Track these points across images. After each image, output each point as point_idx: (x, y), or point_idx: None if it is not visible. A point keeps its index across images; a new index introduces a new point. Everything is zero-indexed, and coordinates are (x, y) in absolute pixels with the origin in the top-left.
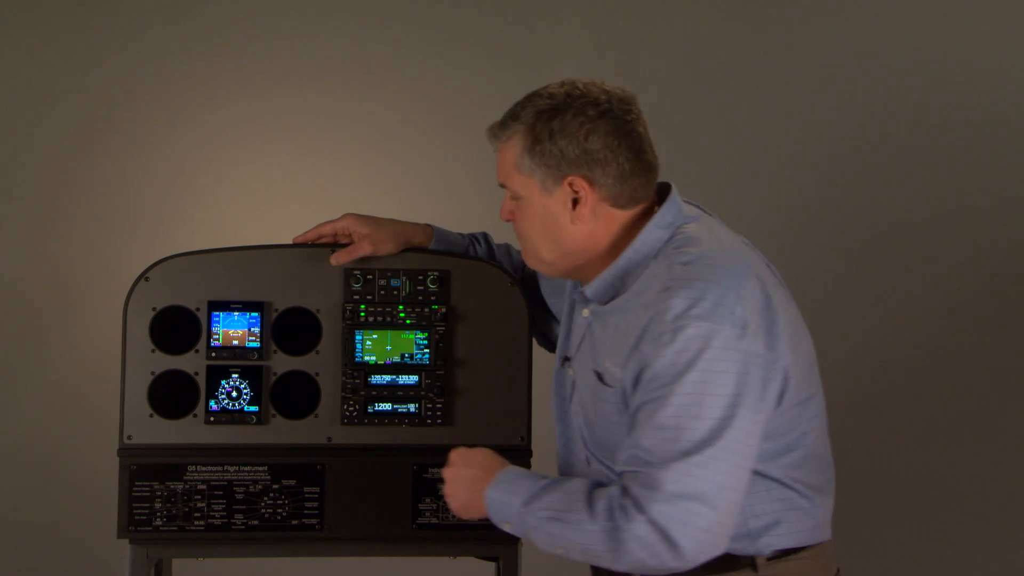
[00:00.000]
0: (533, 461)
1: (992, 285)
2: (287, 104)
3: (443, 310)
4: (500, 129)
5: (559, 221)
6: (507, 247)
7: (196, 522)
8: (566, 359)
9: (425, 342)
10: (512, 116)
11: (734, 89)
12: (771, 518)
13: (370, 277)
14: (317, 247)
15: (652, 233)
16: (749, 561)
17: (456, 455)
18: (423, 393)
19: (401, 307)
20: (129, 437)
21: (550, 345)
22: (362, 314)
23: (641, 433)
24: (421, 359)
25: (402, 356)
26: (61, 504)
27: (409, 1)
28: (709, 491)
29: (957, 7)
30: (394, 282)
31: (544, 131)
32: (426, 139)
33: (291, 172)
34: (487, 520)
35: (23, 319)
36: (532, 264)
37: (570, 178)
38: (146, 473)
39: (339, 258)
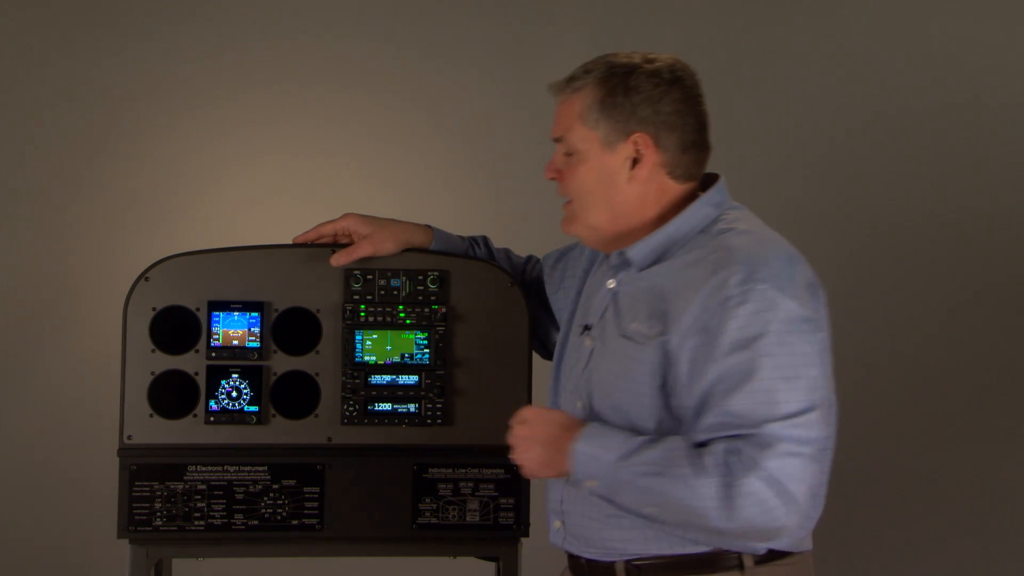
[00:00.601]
0: None
1: (993, 285)
2: (287, 104)
3: (443, 310)
4: (568, 81)
5: (615, 179)
6: (506, 251)
7: (196, 522)
8: (587, 327)
9: (425, 342)
10: (583, 71)
11: (734, 89)
12: None
13: (370, 277)
14: (317, 247)
15: (702, 208)
16: (737, 560)
17: (531, 413)
18: (423, 393)
19: (401, 307)
20: (129, 437)
21: (546, 352)
22: (362, 314)
23: (732, 399)
24: (421, 359)
25: (402, 356)
26: (61, 504)
27: (410, 1)
28: (814, 450)
29: (958, 7)
30: (394, 282)
31: (619, 86)
32: (426, 139)
33: (291, 172)
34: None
35: (23, 319)
36: (572, 228)
37: (636, 135)
38: (146, 473)
39: (339, 259)
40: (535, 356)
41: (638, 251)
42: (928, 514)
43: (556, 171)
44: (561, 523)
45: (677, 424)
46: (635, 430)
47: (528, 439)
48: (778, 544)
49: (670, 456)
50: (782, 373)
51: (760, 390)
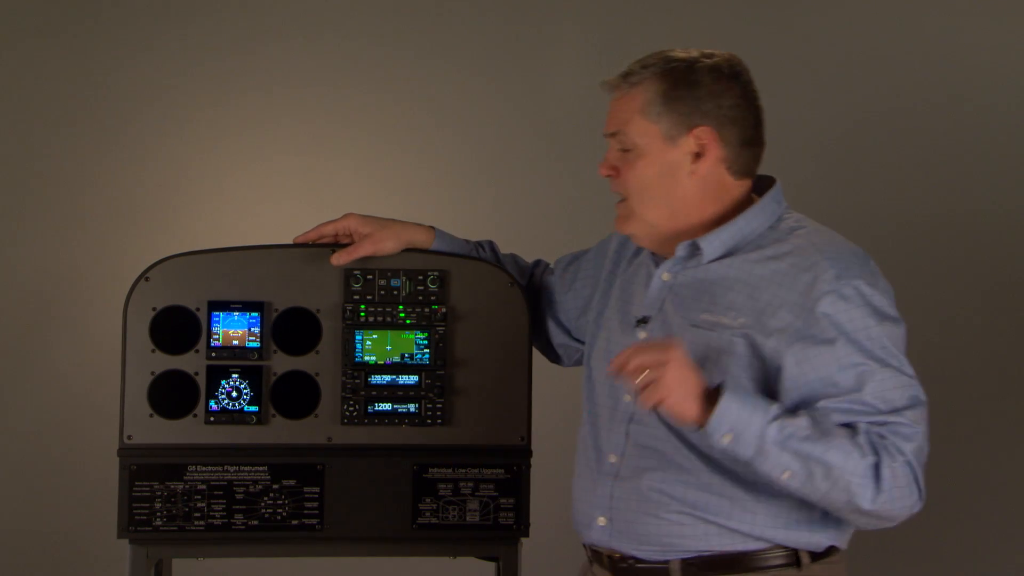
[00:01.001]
0: (533, 461)
1: (996, 286)
2: (288, 105)
3: (443, 310)
4: (626, 76)
5: (676, 174)
6: (513, 256)
7: (196, 522)
8: (642, 320)
9: (425, 342)
10: (641, 66)
11: None
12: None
13: (370, 277)
14: (318, 247)
15: (769, 205)
16: (795, 558)
17: (680, 349)
18: (423, 393)
19: (401, 307)
20: (129, 437)
21: (554, 354)
22: (362, 314)
23: (862, 388)
24: (421, 359)
25: (402, 356)
26: (61, 504)
27: (410, 3)
28: (925, 438)
29: (960, 6)
30: (394, 282)
31: (682, 79)
32: (427, 140)
33: (292, 173)
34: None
35: (23, 319)
36: (628, 227)
37: (699, 129)
38: (146, 473)
39: (340, 258)
40: (535, 356)
41: (711, 243)
42: (929, 515)
43: (612, 168)
44: (607, 520)
45: None
46: None
47: (681, 374)
48: (839, 541)
49: (824, 427)
50: (895, 362)
51: (884, 379)
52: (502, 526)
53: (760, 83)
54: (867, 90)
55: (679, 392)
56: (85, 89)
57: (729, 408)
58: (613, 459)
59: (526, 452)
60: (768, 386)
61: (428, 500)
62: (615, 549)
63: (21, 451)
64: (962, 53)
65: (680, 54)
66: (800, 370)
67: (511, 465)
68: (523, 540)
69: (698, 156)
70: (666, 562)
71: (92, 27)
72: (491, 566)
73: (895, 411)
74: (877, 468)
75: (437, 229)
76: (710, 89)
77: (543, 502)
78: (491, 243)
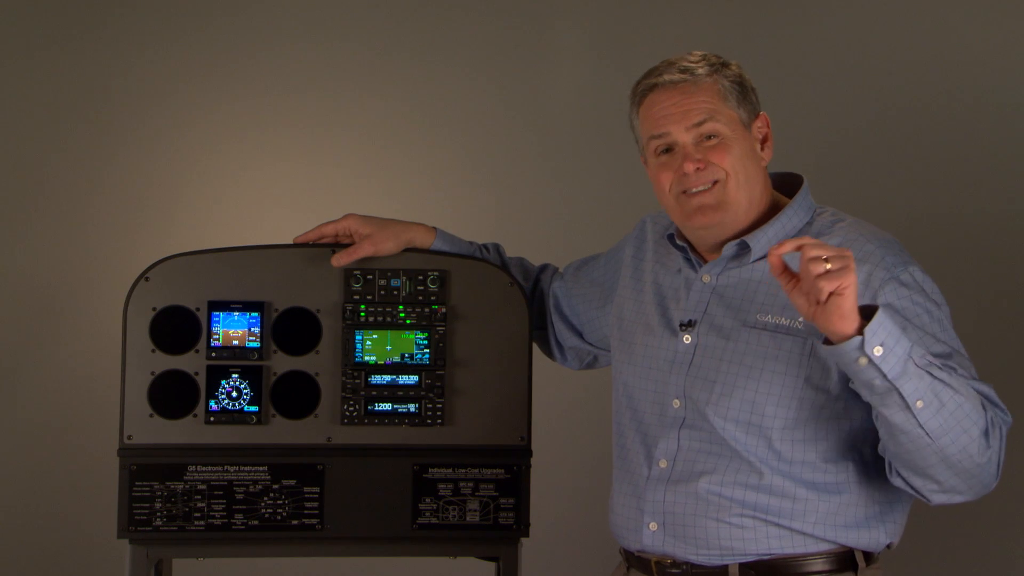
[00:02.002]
0: (533, 461)
1: (1000, 286)
2: (288, 106)
3: (443, 310)
4: (691, 74)
5: (756, 158)
6: (520, 260)
7: (196, 522)
8: (685, 325)
9: (425, 342)
10: (692, 63)
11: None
12: (891, 499)
13: (370, 277)
14: (318, 247)
15: (806, 200)
16: (851, 561)
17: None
18: (423, 393)
19: (401, 307)
20: (129, 437)
21: (562, 356)
22: (362, 314)
23: (952, 363)
24: (421, 359)
25: (402, 356)
26: (61, 504)
27: (410, 5)
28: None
29: (961, 6)
30: (394, 282)
31: (733, 73)
32: (427, 141)
33: (292, 173)
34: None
35: (23, 319)
36: (717, 214)
37: (761, 114)
38: (146, 473)
39: (340, 259)
40: (535, 356)
41: (758, 240)
42: (929, 514)
43: (699, 160)
44: (659, 524)
45: (813, 419)
46: (768, 419)
47: (853, 284)
48: (895, 536)
49: (954, 377)
50: (958, 346)
51: (965, 356)
52: (502, 526)
53: (762, 82)
54: (870, 90)
55: (847, 307)
56: (86, 91)
57: (884, 321)
58: (664, 464)
59: (526, 452)
60: (831, 384)
61: (428, 500)
62: (668, 554)
63: (22, 451)
64: (967, 52)
65: (707, 54)
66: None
67: (511, 465)
68: (523, 540)
69: (763, 141)
70: (724, 567)
71: (94, 30)
72: (491, 566)
73: (983, 392)
74: (989, 427)
75: (439, 229)
76: (750, 83)
77: (543, 502)
78: (497, 246)
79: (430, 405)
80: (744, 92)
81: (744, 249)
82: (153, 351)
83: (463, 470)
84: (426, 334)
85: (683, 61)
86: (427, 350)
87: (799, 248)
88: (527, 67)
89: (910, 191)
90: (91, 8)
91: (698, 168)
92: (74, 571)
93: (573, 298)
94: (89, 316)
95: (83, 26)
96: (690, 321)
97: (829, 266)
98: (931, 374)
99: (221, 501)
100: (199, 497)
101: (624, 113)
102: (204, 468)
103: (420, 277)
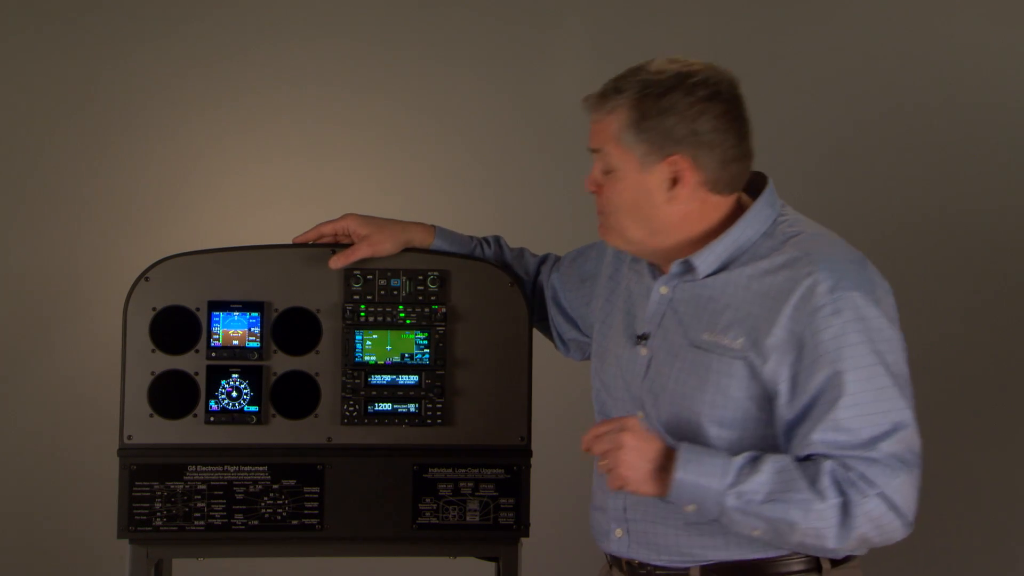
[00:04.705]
0: (533, 461)
1: (1000, 286)
2: (288, 106)
3: (443, 310)
4: (600, 101)
5: (652, 199)
6: (522, 250)
7: (196, 522)
8: (641, 337)
9: (425, 342)
10: (616, 89)
11: None
12: None
13: (370, 277)
14: (317, 247)
15: (763, 210)
16: (815, 564)
17: (638, 424)
18: (423, 393)
19: (401, 307)
20: (129, 437)
21: (564, 348)
22: (362, 314)
23: (838, 414)
24: (421, 359)
25: (402, 356)
26: (61, 504)
27: (410, 3)
28: (915, 456)
29: (961, 6)
30: (394, 282)
31: (653, 107)
32: (426, 140)
33: (292, 173)
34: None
35: (24, 319)
36: (612, 240)
37: (673, 157)
38: (146, 473)
39: (337, 261)
40: (535, 356)
41: (704, 259)
42: (930, 515)
43: (595, 184)
44: (624, 531)
45: (758, 438)
46: (711, 441)
47: (635, 450)
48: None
49: (784, 481)
50: (881, 383)
51: (864, 403)
52: (502, 526)
53: (760, 83)
54: (868, 91)
55: (636, 475)
56: (85, 89)
57: (684, 482)
58: None
59: (526, 452)
60: (770, 405)
61: (428, 500)
62: (633, 558)
63: (21, 451)
64: (962, 53)
65: (655, 76)
66: (795, 390)
67: (511, 465)
68: (523, 540)
69: (675, 182)
70: (686, 570)
71: (92, 28)
72: (491, 566)
73: (872, 441)
74: (845, 507)
75: (438, 227)
76: (684, 115)
77: (543, 502)
78: (498, 238)
79: (430, 405)
80: (648, 132)
81: (690, 267)
82: (153, 351)
83: (463, 470)
84: (426, 334)
85: (614, 81)
86: (427, 350)
87: (587, 450)
88: (528, 65)
89: (909, 191)
90: (85, 6)
91: (594, 192)
92: (74, 571)
93: (569, 291)
94: (89, 316)
95: (83, 25)
96: (645, 334)
97: (602, 468)
98: (753, 512)
99: (221, 501)
100: (199, 497)
101: None
102: (204, 468)
103: (420, 277)
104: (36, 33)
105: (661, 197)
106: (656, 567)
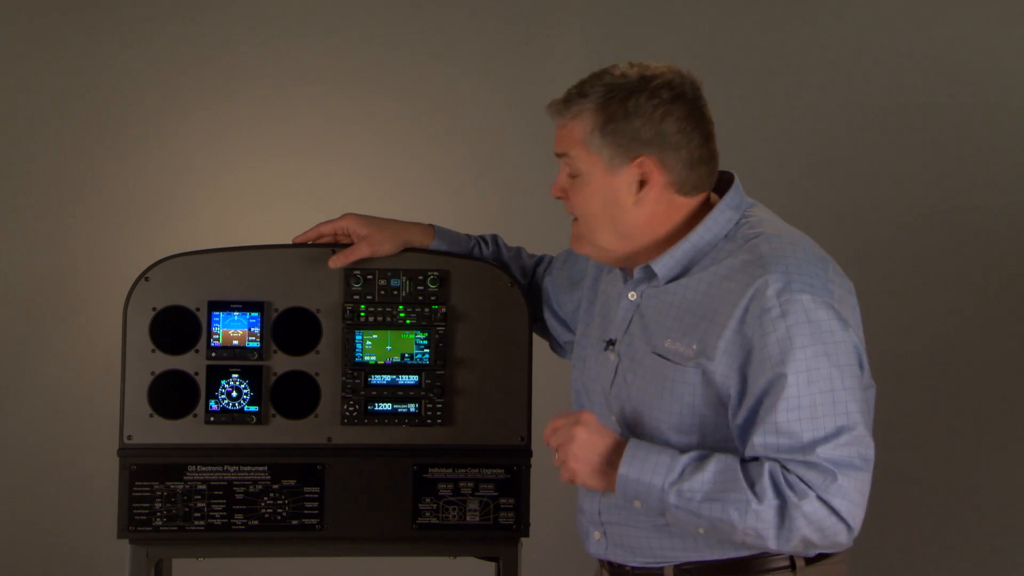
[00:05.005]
0: (533, 461)
1: (999, 286)
2: (287, 105)
3: (443, 310)
4: (565, 105)
5: (620, 202)
6: (519, 250)
7: (196, 522)
8: (610, 342)
9: (425, 342)
10: (580, 94)
11: (732, 90)
12: None
13: (370, 277)
14: (317, 247)
15: (724, 213)
16: (789, 562)
17: (591, 419)
18: (423, 393)
19: (401, 307)
20: (129, 437)
21: (561, 349)
22: (362, 314)
23: (778, 417)
24: (421, 359)
25: (402, 356)
26: (61, 504)
27: (409, 3)
28: (862, 460)
29: (960, 7)
30: (394, 282)
31: (619, 110)
32: (426, 139)
33: (292, 173)
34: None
35: (23, 319)
36: (582, 248)
37: (640, 159)
38: (146, 473)
39: (337, 261)
40: (535, 356)
41: (664, 265)
42: (930, 515)
43: (561, 190)
44: (601, 534)
45: (719, 441)
46: (669, 446)
47: (586, 446)
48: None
49: (724, 481)
50: (826, 386)
51: (805, 406)
52: (502, 526)
53: (756, 81)
54: (865, 90)
55: (584, 470)
56: (84, 88)
57: (627, 478)
58: None
59: (526, 452)
60: (725, 409)
61: (428, 500)
62: (612, 560)
63: (21, 451)
64: (961, 52)
65: (618, 79)
66: (741, 394)
67: (511, 465)
68: (523, 540)
69: (642, 184)
70: (660, 569)
71: (91, 26)
72: (491, 566)
73: (811, 445)
74: (782, 510)
75: (437, 227)
76: (649, 117)
77: (543, 502)
78: (495, 237)
79: (430, 405)
80: (614, 135)
81: (651, 273)
82: (153, 351)
83: (463, 470)
84: (426, 334)
85: (577, 86)
86: (427, 350)
87: (546, 442)
88: (527, 64)
89: (908, 191)
90: (84, 4)
91: (560, 197)
92: (74, 571)
93: (560, 295)
94: (89, 316)
95: (82, 24)
96: (612, 340)
97: (556, 461)
98: (693, 511)
99: (221, 501)
100: (199, 497)
101: None
102: (204, 468)
103: (420, 277)
104: (35, 32)
105: (629, 199)
106: (633, 568)
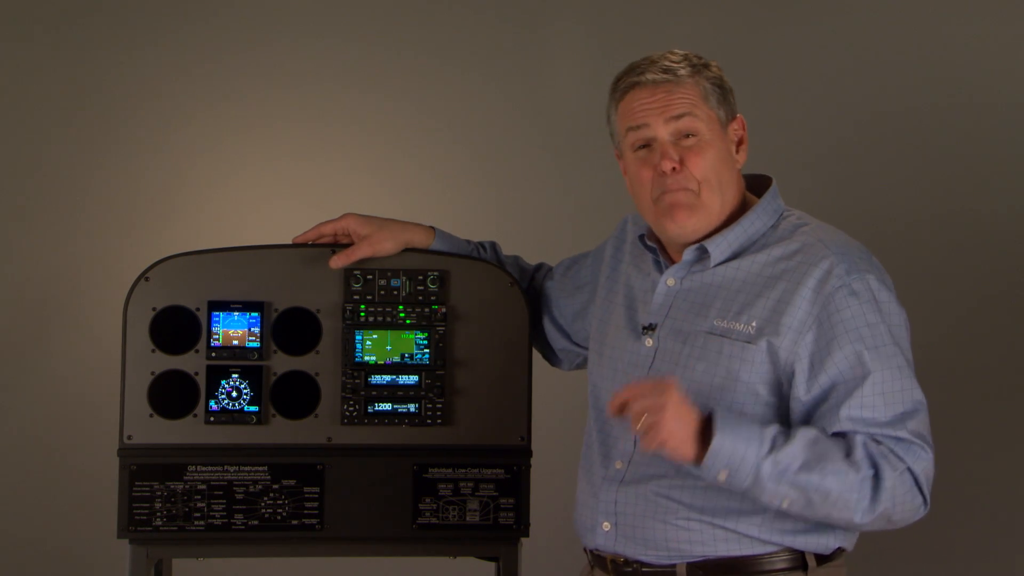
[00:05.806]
0: (533, 461)
1: (999, 286)
2: (288, 105)
3: (443, 310)
4: (683, 67)
5: (731, 161)
6: (516, 258)
7: (196, 522)
8: (648, 328)
9: (425, 342)
10: (672, 62)
11: (736, 90)
12: None
13: (370, 277)
14: (317, 247)
15: (771, 204)
16: (801, 561)
17: (676, 387)
18: (423, 393)
19: (401, 307)
20: (129, 437)
21: (555, 358)
22: (362, 314)
23: (864, 392)
24: (421, 359)
25: (402, 356)
26: (61, 504)
27: (410, 3)
28: (931, 439)
29: (960, 7)
30: (394, 282)
31: (715, 73)
32: (426, 140)
33: (292, 172)
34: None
35: (24, 319)
36: (693, 218)
37: (739, 117)
38: (146, 473)
39: (337, 261)
40: (535, 356)
41: (717, 244)
42: (930, 514)
43: (677, 161)
44: (611, 525)
45: (759, 418)
46: None
47: (677, 414)
48: (846, 542)
49: (818, 451)
50: (898, 363)
51: (886, 381)
52: (502, 526)
53: (760, 82)
54: (867, 90)
55: (677, 436)
56: (84, 89)
57: (722, 447)
58: (619, 465)
59: (526, 452)
60: (783, 388)
61: (428, 500)
62: (620, 553)
63: (21, 451)
64: (962, 53)
65: (688, 55)
66: (815, 369)
67: (511, 465)
68: (523, 540)
69: (739, 144)
70: (672, 566)
71: (92, 28)
72: (491, 566)
73: (897, 420)
74: (876, 480)
75: (437, 229)
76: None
77: (543, 502)
78: (493, 244)
79: (430, 405)
80: (723, 93)
81: (704, 254)
82: (153, 351)
83: (463, 470)
84: (426, 334)
85: (665, 60)
86: (427, 350)
87: (624, 404)
88: (527, 65)
89: (908, 191)
90: (85, 6)
91: (674, 168)
92: (74, 571)
93: (561, 300)
94: (89, 316)
95: (82, 26)
96: (651, 325)
97: (640, 427)
98: (788, 481)
99: (221, 501)
100: (199, 497)
101: None
102: (204, 468)
103: (420, 277)
104: (36, 34)
105: (732, 158)
106: (643, 564)
